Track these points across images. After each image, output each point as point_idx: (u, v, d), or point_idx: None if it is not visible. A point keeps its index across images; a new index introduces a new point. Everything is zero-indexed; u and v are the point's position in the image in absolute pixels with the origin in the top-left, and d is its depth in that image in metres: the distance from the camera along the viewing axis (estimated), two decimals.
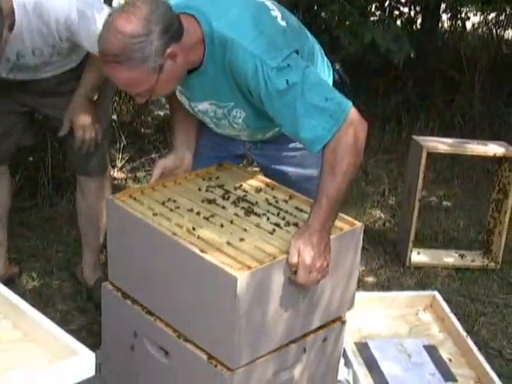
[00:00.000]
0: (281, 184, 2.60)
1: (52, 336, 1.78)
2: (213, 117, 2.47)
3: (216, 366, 2.20)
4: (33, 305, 1.90)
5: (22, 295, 2.14)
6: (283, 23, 2.33)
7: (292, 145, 2.58)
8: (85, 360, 1.71)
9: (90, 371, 1.73)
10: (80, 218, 3.44)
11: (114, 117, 5.06)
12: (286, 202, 2.51)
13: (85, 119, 3.02)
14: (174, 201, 2.44)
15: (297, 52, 2.27)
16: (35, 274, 3.57)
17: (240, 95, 2.33)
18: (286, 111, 2.22)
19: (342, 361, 2.69)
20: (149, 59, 2.12)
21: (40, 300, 3.35)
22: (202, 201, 2.45)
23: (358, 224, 2.39)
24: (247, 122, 2.44)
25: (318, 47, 2.58)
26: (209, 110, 2.44)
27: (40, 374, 1.66)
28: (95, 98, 3.07)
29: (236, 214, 2.39)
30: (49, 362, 1.75)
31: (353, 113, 2.21)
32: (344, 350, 2.80)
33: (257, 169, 2.99)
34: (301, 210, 2.45)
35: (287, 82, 2.18)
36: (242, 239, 2.25)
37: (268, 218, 2.38)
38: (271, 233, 2.30)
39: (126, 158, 4.83)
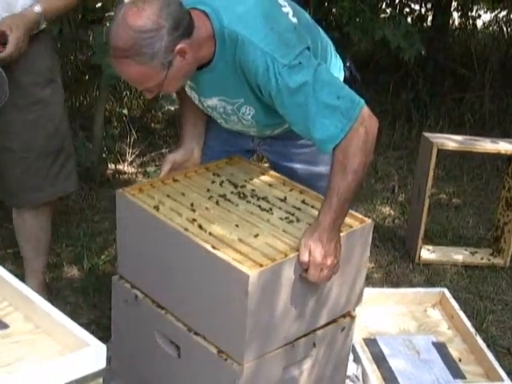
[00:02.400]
0: (292, 181, 2.60)
1: (63, 328, 1.78)
2: (222, 113, 2.47)
3: (226, 359, 2.21)
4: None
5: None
6: (294, 20, 2.32)
7: (302, 141, 2.56)
8: (96, 351, 1.72)
9: (101, 363, 1.73)
10: (18, 237, 3.15)
11: (125, 111, 5.07)
12: (296, 197, 2.51)
13: (20, 39, 2.61)
14: (185, 195, 2.45)
15: (308, 49, 2.26)
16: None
17: (250, 92, 2.32)
18: (297, 110, 2.20)
19: (350, 356, 2.70)
20: (158, 55, 2.11)
21: (50, 293, 3.35)
22: (213, 196, 2.46)
23: (368, 221, 2.40)
24: (256, 119, 2.43)
25: (330, 43, 2.58)
26: (218, 105, 2.44)
27: (51, 365, 1.67)
28: (42, 27, 2.73)
29: (247, 210, 2.40)
30: (60, 353, 1.76)
31: (365, 111, 2.19)
32: (353, 346, 2.80)
33: (267, 165, 2.98)
34: (312, 207, 2.45)
35: (299, 80, 2.17)
36: (253, 236, 2.26)
37: (278, 214, 2.39)
38: (282, 229, 2.31)
39: (136, 152, 4.84)
